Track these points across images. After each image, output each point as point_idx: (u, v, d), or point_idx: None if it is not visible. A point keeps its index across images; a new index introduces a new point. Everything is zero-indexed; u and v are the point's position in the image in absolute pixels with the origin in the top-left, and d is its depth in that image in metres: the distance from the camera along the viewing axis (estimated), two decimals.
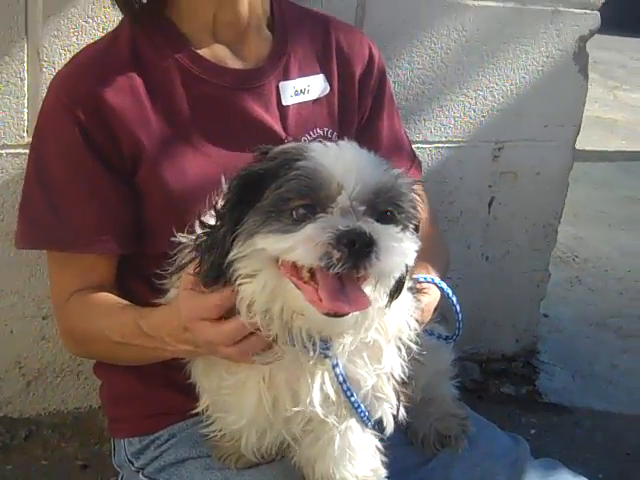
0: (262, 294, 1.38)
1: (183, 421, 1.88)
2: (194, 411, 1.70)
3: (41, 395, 2.58)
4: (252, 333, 1.45)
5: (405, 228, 1.39)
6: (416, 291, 1.58)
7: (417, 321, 1.55)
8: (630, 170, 6.31)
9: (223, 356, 1.52)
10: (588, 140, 6.40)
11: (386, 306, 1.44)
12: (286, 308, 1.39)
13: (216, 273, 1.39)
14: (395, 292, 1.44)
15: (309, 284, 1.33)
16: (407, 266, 1.41)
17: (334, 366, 1.48)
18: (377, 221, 1.33)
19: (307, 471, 1.67)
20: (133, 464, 1.92)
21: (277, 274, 1.36)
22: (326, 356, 1.46)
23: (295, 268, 1.33)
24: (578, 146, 3.15)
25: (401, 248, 1.35)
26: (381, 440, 1.67)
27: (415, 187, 1.47)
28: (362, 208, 1.32)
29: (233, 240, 1.36)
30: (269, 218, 1.33)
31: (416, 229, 1.45)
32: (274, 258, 1.35)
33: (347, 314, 1.32)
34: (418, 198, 1.46)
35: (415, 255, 1.40)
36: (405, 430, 2.01)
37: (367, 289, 1.36)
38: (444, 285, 1.84)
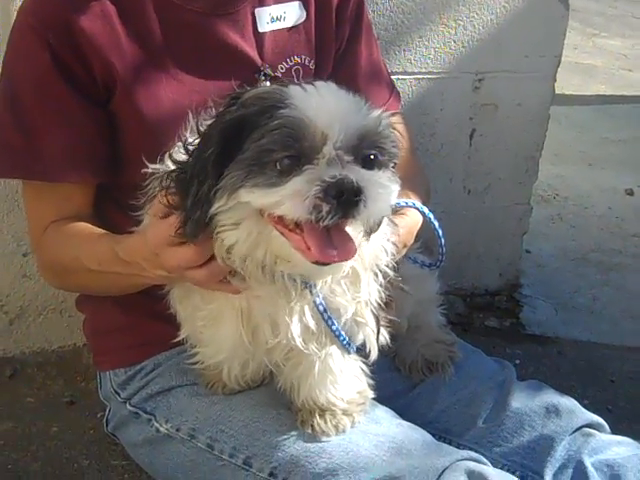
0: (246, 241, 1.37)
1: (168, 351, 1.88)
2: (176, 340, 1.69)
3: (24, 333, 2.57)
4: None
5: (387, 168, 1.39)
6: (393, 213, 1.56)
7: (395, 245, 1.55)
8: (609, 113, 6.32)
9: (194, 282, 1.52)
10: (568, 84, 6.42)
11: (365, 239, 1.44)
12: (269, 254, 1.39)
13: (202, 228, 1.38)
14: (375, 227, 1.44)
15: (295, 232, 1.32)
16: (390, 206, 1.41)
17: (312, 294, 1.48)
18: (362, 166, 1.33)
19: (292, 395, 1.68)
20: (119, 395, 1.92)
21: (261, 222, 1.35)
22: (308, 288, 1.45)
23: (280, 217, 1.32)
24: (558, 90, 3.13)
25: (387, 193, 1.35)
26: (367, 365, 1.68)
27: (395, 119, 1.46)
28: (347, 157, 1.31)
29: (215, 194, 1.34)
30: (252, 171, 1.31)
31: (394, 167, 1.44)
32: (258, 208, 1.33)
33: (335, 262, 1.33)
34: (399, 136, 1.45)
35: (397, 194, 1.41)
36: (393, 357, 2.03)
37: (351, 229, 1.36)
38: (425, 209, 1.83)
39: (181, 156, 1.45)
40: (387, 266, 1.53)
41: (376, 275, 1.53)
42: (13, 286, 2.50)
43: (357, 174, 1.29)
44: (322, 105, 1.33)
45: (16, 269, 2.48)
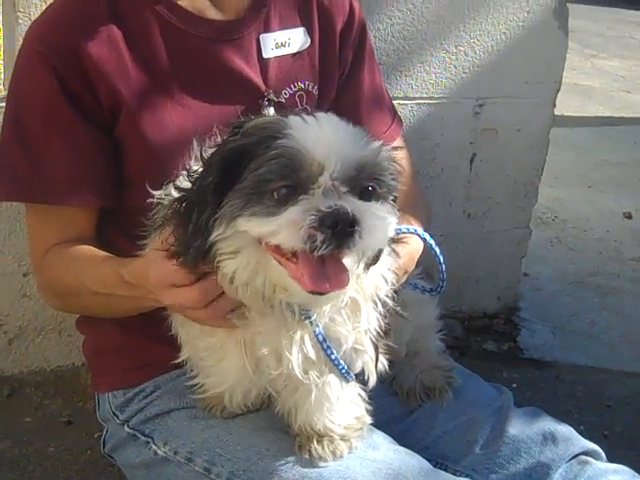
0: (245, 270, 1.38)
1: (167, 373, 1.88)
2: (176, 361, 1.70)
3: (23, 353, 2.57)
4: (222, 293, 1.45)
5: (385, 201, 1.40)
6: (395, 241, 1.57)
7: (396, 273, 1.55)
8: (607, 135, 6.35)
9: (194, 319, 1.53)
10: (567, 106, 6.44)
11: (364, 272, 1.44)
12: (268, 282, 1.40)
13: (202, 257, 1.39)
14: (374, 260, 1.44)
15: (292, 261, 1.33)
16: (388, 239, 1.43)
17: (312, 324, 1.48)
18: (359, 197, 1.33)
19: (289, 420, 1.68)
20: (118, 417, 1.91)
21: (259, 250, 1.36)
22: (307, 318, 1.46)
23: (278, 246, 1.32)
24: (557, 112, 3.15)
25: (383, 224, 1.35)
26: (365, 391, 1.69)
27: (395, 153, 1.47)
28: (344, 188, 1.31)
29: (214, 222, 1.35)
30: (250, 200, 1.32)
31: (394, 200, 1.45)
32: (256, 237, 1.34)
33: (328, 293, 1.33)
34: (399, 169, 1.46)
35: (395, 227, 1.42)
36: (390, 383, 2.03)
37: (347, 260, 1.37)
38: (427, 235, 1.84)
39: (186, 184, 1.46)
40: (387, 295, 1.54)
41: (376, 304, 1.54)
42: (13, 306, 2.50)
43: (353, 205, 1.30)
44: (320, 136, 1.34)
45: (16, 289, 2.48)
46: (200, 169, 1.43)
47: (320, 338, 1.50)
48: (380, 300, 1.53)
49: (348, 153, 1.33)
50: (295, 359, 1.49)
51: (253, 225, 1.32)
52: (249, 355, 1.54)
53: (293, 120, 1.37)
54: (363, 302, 1.51)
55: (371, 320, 1.54)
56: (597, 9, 12.04)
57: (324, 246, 1.27)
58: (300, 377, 1.52)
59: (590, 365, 3.17)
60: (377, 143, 1.39)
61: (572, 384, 3.03)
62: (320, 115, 1.39)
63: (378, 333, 1.58)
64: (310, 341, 1.50)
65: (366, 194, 1.36)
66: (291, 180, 1.31)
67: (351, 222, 1.27)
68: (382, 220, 1.35)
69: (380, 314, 1.56)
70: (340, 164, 1.31)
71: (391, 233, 1.41)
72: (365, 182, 1.35)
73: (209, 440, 1.75)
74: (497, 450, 1.88)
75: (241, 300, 1.44)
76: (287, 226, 1.28)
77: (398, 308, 1.62)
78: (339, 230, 1.27)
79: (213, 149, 1.46)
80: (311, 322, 1.47)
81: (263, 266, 1.38)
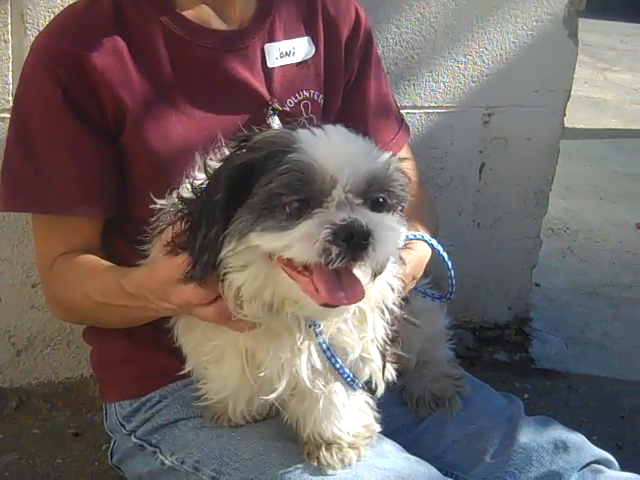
0: (253, 283, 1.38)
1: (174, 383, 1.87)
2: (182, 372, 1.69)
3: (31, 365, 2.57)
4: None
5: (395, 211, 1.40)
6: (400, 248, 1.56)
7: (402, 280, 1.55)
8: (620, 147, 6.36)
9: (202, 317, 1.52)
10: (579, 118, 6.47)
11: (371, 281, 1.43)
12: (277, 295, 1.40)
13: (209, 271, 1.39)
14: (380, 269, 1.43)
15: (303, 274, 1.33)
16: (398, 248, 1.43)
17: (317, 334, 1.48)
18: (370, 209, 1.34)
19: (298, 428, 1.67)
20: (125, 427, 1.91)
21: (269, 264, 1.36)
22: (311, 326, 1.46)
23: (289, 260, 1.32)
24: (569, 124, 3.15)
25: (395, 235, 1.36)
26: (374, 400, 1.67)
27: (403, 162, 1.47)
28: (357, 200, 1.32)
29: (224, 238, 1.35)
30: (262, 215, 1.32)
31: (402, 210, 1.45)
32: (267, 251, 1.34)
33: (344, 305, 1.34)
34: (407, 180, 1.46)
35: (404, 237, 1.43)
36: (400, 391, 2.02)
37: (358, 272, 1.37)
38: (434, 242, 1.83)
39: (189, 194, 1.46)
40: (394, 303, 1.53)
41: (382, 312, 1.53)
42: (21, 317, 2.50)
43: (366, 217, 1.30)
44: (331, 149, 1.33)
45: (25, 300, 2.48)
46: (205, 183, 1.43)
47: (324, 347, 1.50)
48: (387, 308, 1.53)
49: (359, 165, 1.33)
50: (304, 368, 1.49)
51: (265, 240, 1.32)
52: (250, 363, 1.53)
53: (302, 133, 1.37)
54: (370, 311, 1.50)
55: (378, 329, 1.54)
56: (609, 23, 12.06)
57: (339, 259, 1.27)
58: (309, 385, 1.51)
59: (603, 376, 3.15)
60: (387, 155, 1.39)
61: (585, 395, 3.01)
62: (329, 127, 1.39)
63: (385, 341, 1.57)
64: (315, 350, 1.50)
65: (377, 205, 1.36)
66: (303, 194, 1.31)
67: (365, 235, 1.28)
68: (393, 231, 1.36)
69: (387, 322, 1.55)
70: (352, 177, 1.31)
71: (401, 244, 1.41)
72: (376, 194, 1.36)
73: (216, 449, 1.74)
74: (508, 459, 1.87)
75: (247, 313, 1.42)
76: (302, 240, 1.28)
77: (406, 315, 1.62)
78: (354, 243, 1.27)
79: (217, 161, 1.45)
80: (316, 332, 1.47)
81: (272, 279, 1.37)
